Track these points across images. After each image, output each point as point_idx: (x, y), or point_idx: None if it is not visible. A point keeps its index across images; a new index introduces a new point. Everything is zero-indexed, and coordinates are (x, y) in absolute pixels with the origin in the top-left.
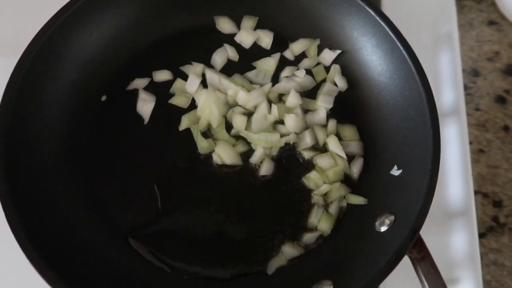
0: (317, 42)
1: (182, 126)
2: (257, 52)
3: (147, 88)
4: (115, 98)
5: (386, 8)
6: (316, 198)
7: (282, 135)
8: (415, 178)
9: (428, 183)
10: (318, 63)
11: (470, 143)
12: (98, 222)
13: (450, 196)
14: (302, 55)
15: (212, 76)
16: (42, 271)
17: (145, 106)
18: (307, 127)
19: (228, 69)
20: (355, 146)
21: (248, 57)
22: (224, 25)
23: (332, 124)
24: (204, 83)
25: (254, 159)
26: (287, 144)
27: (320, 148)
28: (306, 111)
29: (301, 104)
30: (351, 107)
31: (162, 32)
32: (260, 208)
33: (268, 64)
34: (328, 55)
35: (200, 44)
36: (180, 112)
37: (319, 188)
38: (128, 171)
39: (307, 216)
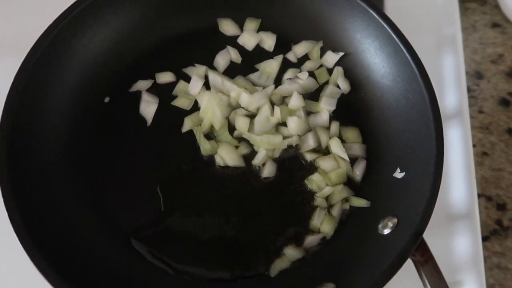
0: (320, 44)
1: (185, 128)
2: (260, 54)
3: (150, 90)
4: (118, 100)
5: (389, 11)
6: (318, 200)
7: (284, 137)
8: (418, 180)
9: (432, 186)
10: (321, 65)
11: (474, 146)
12: (100, 223)
13: (454, 199)
14: (305, 57)
15: (215, 78)
16: (44, 271)
17: (148, 107)
18: (309, 129)
19: (231, 71)
20: (357, 149)
21: (251, 59)
22: (227, 27)
23: (335, 126)
24: (207, 85)
25: (257, 161)
26: (289, 146)
27: (323, 150)
28: (308, 113)
29: (303, 106)
30: (354, 110)
31: (165, 34)
32: (262, 210)
33: (271, 66)
34: (331, 58)
35: (203, 46)
36: (183, 114)
37: (322, 190)
38: (130, 173)
39: (309, 219)
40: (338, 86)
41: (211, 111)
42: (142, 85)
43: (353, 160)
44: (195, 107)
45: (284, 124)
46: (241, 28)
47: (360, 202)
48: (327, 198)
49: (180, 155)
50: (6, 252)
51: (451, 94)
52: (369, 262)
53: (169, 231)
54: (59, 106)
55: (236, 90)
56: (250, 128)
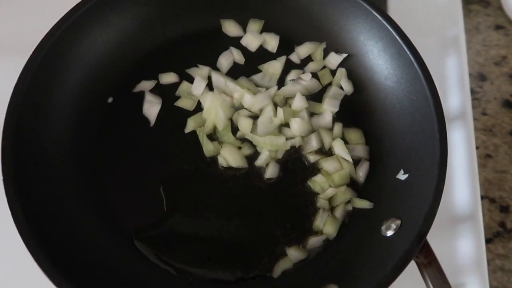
0: (323, 45)
1: (188, 129)
2: (263, 55)
3: (153, 91)
4: (121, 100)
5: (392, 12)
6: (321, 201)
7: (287, 138)
8: (421, 182)
9: (435, 188)
10: (324, 67)
11: (477, 148)
12: (103, 223)
13: (457, 201)
14: (308, 59)
15: (218, 79)
16: (47, 271)
17: (151, 108)
18: (313, 130)
19: (234, 72)
20: (361, 150)
21: (254, 60)
22: (230, 28)
23: (338, 127)
24: (210, 86)
25: (260, 162)
26: (292, 147)
27: (326, 152)
28: (312, 114)
29: (307, 108)
30: (357, 111)
31: (169, 35)
32: (265, 211)
33: (274, 67)
34: (334, 59)
35: (206, 47)
36: (186, 114)
37: (325, 191)
38: (133, 173)
39: (312, 220)
40: (341, 88)
41: (214, 112)
42: (145, 85)
43: (356, 162)
44: (198, 107)
45: (287, 125)
46: (244, 29)
47: (363, 204)
48: (330, 200)
49: (183, 156)
50: (9, 251)
51: (454, 96)
52: (372, 264)
53: (172, 232)
54: (62, 106)
55: (239, 91)
56: (253, 129)
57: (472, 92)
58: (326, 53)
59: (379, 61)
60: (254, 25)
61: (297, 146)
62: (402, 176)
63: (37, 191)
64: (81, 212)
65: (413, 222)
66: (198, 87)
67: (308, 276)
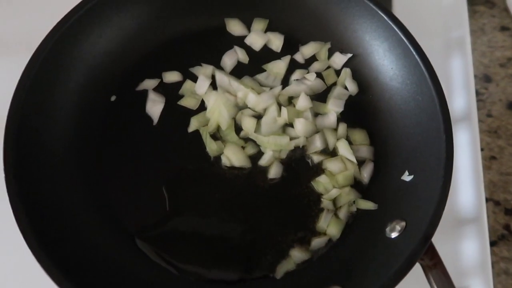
0: (328, 45)
1: (191, 128)
2: (267, 54)
3: (156, 89)
4: (124, 99)
5: (397, 13)
6: (325, 202)
7: (291, 138)
8: (427, 184)
9: (441, 189)
10: (329, 67)
11: (482, 149)
12: (105, 222)
13: (461, 203)
14: (313, 58)
15: (221, 78)
16: (49, 270)
17: (154, 107)
18: (317, 130)
19: (238, 71)
20: (365, 151)
21: (258, 60)
22: (235, 27)
23: (342, 128)
24: (213, 85)
25: (263, 162)
26: (296, 147)
27: (330, 152)
28: (316, 114)
29: (311, 108)
30: (362, 111)
31: (172, 33)
32: (268, 211)
33: (278, 66)
34: (339, 59)
35: (210, 46)
36: (189, 113)
37: (329, 192)
38: (136, 172)
39: (316, 221)
40: (346, 88)
41: (217, 111)
42: (149, 84)
43: (360, 162)
44: (202, 107)
45: (291, 125)
46: (249, 28)
47: (367, 205)
48: (334, 201)
49: (186, 155)
50: (11, 251)
51: (460, 98)
52: (376, 265)
53: (174, 231)
54: (65, 104)
55: (243, 90)
56: (257, 129)
57: (477, 93)
58: (331, 53)
59: (385, 61)
60: (259, 24)
61: (301, 146)
62: (407, 177)
63: (39, 189)
64: (83, 211)
65: (418, 224)
66: (202, 86)
67: (311, 278)
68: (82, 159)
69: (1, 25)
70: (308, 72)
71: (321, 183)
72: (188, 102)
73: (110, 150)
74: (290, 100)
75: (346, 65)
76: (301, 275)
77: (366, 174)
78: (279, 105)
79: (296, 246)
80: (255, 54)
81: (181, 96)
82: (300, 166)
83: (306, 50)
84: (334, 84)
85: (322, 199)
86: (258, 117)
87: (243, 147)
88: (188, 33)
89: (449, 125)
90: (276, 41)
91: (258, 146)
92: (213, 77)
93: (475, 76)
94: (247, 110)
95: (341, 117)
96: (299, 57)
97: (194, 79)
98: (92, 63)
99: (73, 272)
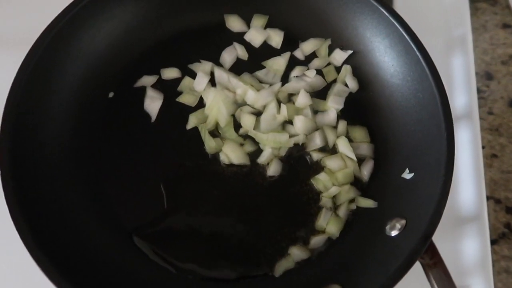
0: (328, 42)
1: (190, 125)
2: (267, 51)
3: (155, 86)
4: (122, 95)
5: (398, 10)
6: (325, 200)
7: (291, 136)
8: (427, 182)
9: (442, 187)
10: (329, 63)
11: (483, 147)
12: (102, 220)
13: (462, 202)
14: (313, 55)
15: (220, 75)
16: (46, 269)
17: (153, 103)
18: (316, 128)
19: (237, 68)
20: (365, 148)
21: (258, 56)
22: (234, 23)
23: (342, 125)
24: (212, 82)
25: (262, 159)
26: (296, 144)
27: (330, 150)
28: (316, 111)
29: (311, 105)
30: (362, 109)
31: (171, 30)
32: (267, 209)
33: (278, 63)
34: (339, 55)
35: (209, 42)
36: (187, 110)
37: (328, 190)
38: (134, 169)
39: (315, 219)
40: (346, 85)
41: (216, 108)
42: (147, 80)
43: (360, 160)
44: (200, 103)
45: (290, 122)
46: (248, 24)
47: (367, 203)
48: (333, 198)
49: (184, 152)
50: (7, 248)
51: (461, 95)
52: (376, 264)
53: (172, 229)
54: (62, 100)
55: (242, 87)
56: (256, 126)
57: (479, 91)
58: (331, 50)
59: (385, 58)
60: (258, 21)
61: (300, 143)
62: (407, 175)
63: (35, 187)
64: (80, 209)
65: (419, 222)
66: (201, 82)
67: (311, 276)
68: (79, 156)
69: None
70: (308, 69)
71: (320, 180)
72: (186, 99)
73: (108, 147)
74: (290, 97)
75: (346, 62)
76: (300, 273)
77: (366, 171)
78: (279, 102)
79: (295, 245)
80: (255, 51)
81: (180, 93)
82: (299, 163)
83: (306, 47)
84: (334, 81)
85: (321, 197)
86: (257, 114)
87: (242, 145)
88: (187, 29)
89: (450, 122)
90: (276, 38)
91: (257, 143)
92: (212, 74)
93: (477, 74)
94: (246, 107)
95: (341, 114)
96: (299, 54)
97: (193, 75)
98: (90, 59)
99: (69, 270)
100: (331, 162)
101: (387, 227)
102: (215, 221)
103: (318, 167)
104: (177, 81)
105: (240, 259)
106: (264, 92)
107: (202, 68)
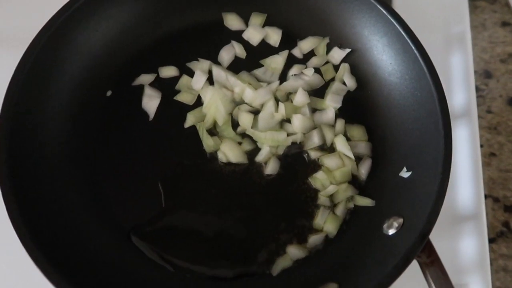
0: (326, 40)
1: (188, 123)
2: (265, 49)
3: (152, 84)
4: (120, 94)
5: (397, 8)
6: (322, 199)
7: (289, 134)
8: (425, 180)
9: (439, 186)
10: (327, 62)
11: (481, 146)
12: (100, 219)
13: (460, 200)
14: (311, 53)
15: (218, 73)
16: (43, 267)
17: (151, 102)
18: (314, 126)
19: (235, 66)
20: (363, 147)
21: (256, 55)
22: (232, 21)
23: (340, 124)
24: (210, 80)
25: (260, 157)
26: (293, 143)
27: (328, 148)
28: (314, 110)
29: (309, 103)
30: (360, 107)
31: (169, 28)
32: (265, 208)
33: (276, 62)
34: (338, 54)
35: (207, 41)
36: (185, 109)
37: (326, 188)
38: (132, 168)
39: (313, 217)
40: (344, 83)
41: (214, 106)
42: (145, 79)
43: (358, 159)
44: (198, 102)
45: (288, 120)
46: (246, 23)
47: (364, 201)
48: (331, 197)
49: (182, 151)
50: (6, 250)
51: (459, 93)
52: (373, 262)
53: (170, 228)
54: (60, 99)
55: (240, 86)
56: (254, 125)
57: (477, 89)
58: (329, 48)
59: (383, 57)
60: (257, 19)
61: (298, 142)
62: (405, 173)
63: (33, 187)
64: (78, 207)
65: (416, 221)
66: (199, 81)
67: (308, 275)
68: (77, 155)
69: None
70: (306, 67)
71: (318, 179)
72: (184, 97)
73: (106, 146)
74: (288, 96)
75: (344, 60)
76: (298, 272)
77: (363, 170)
78: (277, 101)
79: (292, 243)
80: (253, 49)
81: (178, 91)
82: (297, 162)
83: (304, 45)
84: (332, 79)
85: (319, 195)
86: (255, 112)
87: (239, 143)
88: (185, 27)
89: (447, 121)
90: (274, 36)
91: (255, 142)
92: (210, 72)
93: (475, 72)
94: (244, 106)
95: (339, 113)
96: (297, 52)
97: (191, 74)
98: (88, 58)
99: (67, 268)
100: (329, 161)
101: (385, 226)
102: (213, 219)
103: (316, 166)
104: (175, 79)
105: (237, 257)
106: (262, 90)
107: (200, 66)
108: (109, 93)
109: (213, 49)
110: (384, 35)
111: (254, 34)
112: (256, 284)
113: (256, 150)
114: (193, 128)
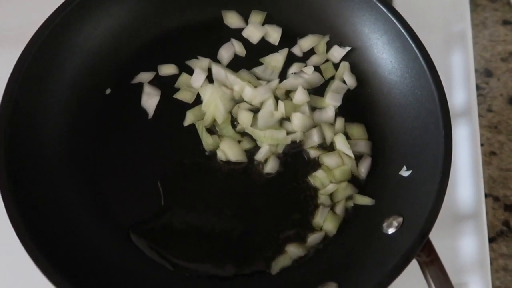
0: (326, 38)
1: (187, 122)
2: (264, 47)
3: (152, 82)
4: (119, 92)
5: (397, 6)
6: (322, 197)
7: (288, 133)
8: (425, 179)
9: (439, 185)
10: (327, 60)
11: (482, 145)
12: (99, 217)
13: (460, 199)
14: (311, 52)
15: (218, 71)
16: (42, 266)
17: (150, 100)
18: (314, 125)
19: (235, 65)
20: (363, 146)
21: (256, 53)
22: (232, 19)
23: (340, 122)
24: (210, 78)
25: (260, 156)
26: (293, 141)
27: (327, 147)
28: (313, 108)
29: (308, 102)
30: (360, 106)
31: (169, 26)
32: (264, 206)
33: (276, 60)
34: (337, 52)
35: (206, 39)
36: (185, 107)
37: (326, 187)
38: (131, 166)
39: (312, 216)
40: (344, 81)
41: (213, 104)
42: (144, 77)
43: (358, 157)
44: (198, 100)
45: (288, 119)
46: (246, 20)
47: (364, 200)
48: (330, 196)
49: (181, 149)
50: (5, 248)
51: (460, 92)
52: (373, 261)
53: (169, 226)
54: (59, 97)
55: (239, 84)
56: (253, 123)
57: (478, 88)
58: (329, 46)
59: (384, 55)
60: (256, 17)
61: (298, 140)
62: (405, 172)
63: (32, 185)
64: (77, 206)
65: (416, 220)
66: (198, 79)
67: (307, 274)
68: (76, 153)
69: None
70: (306, 66)
71: (318, 178)
72: (184, 95)
73: (105, 144)
74: (288, 94)
75: (344, 58)
76: (297, 271)
77: (363, 169)
78: (276, 99)
79: (292, 242)
80: (253, 47)
81: (177, 90)
82: (296, 161)
83: (304, 43)
84: (332, 77)
85: (318, 194)
86: (255, 111)
87: (239, 142)
88: (185, 25)
89: (448, 119)
90: (274, 34)
91: (254, 140)
92: (209, 70)
93: (476, 71)
94: (243, 104)
95: (339, 111)
96: (297, 50)
97: (190, 72)
98: (86, 56)
99: (66, 266)
100: (329, 159)
101: (384, 225)
102: (212, 218)
103: (315, 164)
104: (175, 77)
105: (237, 256)
106: (262, 89)
107: (200, 64)
108: (108, 91)
109: (213, 47)
110: (384, 33)
111: (253, 32)
112: (256, 282)
113: (256, 148)
114: (193, 126)
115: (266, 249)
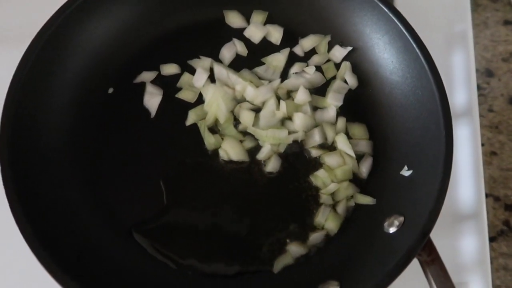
0: (328, 38)
1: (189, 121)
2: (266, 47)
3: (154, 82)
4: (122, 91)
5: (398, 6)
6: (323, 197)
7: (290, 132)
8: (426, 179)
9: (440, 184)
10: (329, 60)
11: (482, 145)
12: (102, 216)
13: (461, 199)
14: (312, 51)
15: (220, 71)
16: (45, 263)
17: (152, 99)
18: (316, 124)
19: (237, 64)
20: (364, 145)
21: (257, 52)
22: (234, 19)
23: (341, 122)
24: (212, 78)
25: (261, 155)
26: (295, 141)
27: (329, 146)
28: (315, 108)
29: (310, 101)
30: (361, 105)
31: (171, 25)
32: (266, 206)
33: (278, 59)
34: (339, 52)
35: (208, 38)
36: (187, 106)
37: (327, 187)
38: (133, 165)
39: (314, 215)
40: (345, 81)
41: (215, 104)
42: (147, 76)
43: (359, 157)
44: (200, 100)
45: (289, 118)
46: (248, 20)
47: (365, 200)
48: (332, 195)
49: (183, 149)
50: (8, 245)
51: (461, 92)
52: (374, 260)
53: (172, 225)
54: (62, 96)
55: (241, 84)
56: (255, 122)
57: (479, 88)
58: (330, 46)
59: (385, 55)
60: (258, 17)
61: (299, 140)
62: (406, 172)
63: (35, 183)
64: (80, 205)
65: (417, 219)
66: (200, 79)
67: (309, 272)
68: (79, 152)
69: None
70: (307, 65)
71: (319, 177)
72: (186, 95)
73: (107, 143)
74: (289, 94)
75: (346, 58)
76: (299, 269)
77: (364, 168)
78: (278, 99)
79: (293, 241)
80: (254, 47)
81: (179, 89)
82: (298, 160)
83: (306, 43)
84: (334, 77)
85: (320, 193)
86: (257, 110)
87: (241, 141)
88: (187, 25)
89: (449, 119)
90: (276, 34)
91: (256, 140)
92: (211, 70)
93: (477, 71)
94: (245, 104)
95: (340, 111)
96: (298, 50)
97: (192, 71)
98: (89, 55)
99: (69, 264)
100: (330, 159)
101: (385, 224)
102: (214, 217)
103: (317, 164)
104: (177, 77)
105: (239, 255)
106: (264, 88)
107: (202, 64)
108: (110, 90)
109: (215, 47)
110: (385, 33)
111: (255, 32)
112: (258, 281)
113: (258, 148)
114: (195, 125)
115: (268, 248)
